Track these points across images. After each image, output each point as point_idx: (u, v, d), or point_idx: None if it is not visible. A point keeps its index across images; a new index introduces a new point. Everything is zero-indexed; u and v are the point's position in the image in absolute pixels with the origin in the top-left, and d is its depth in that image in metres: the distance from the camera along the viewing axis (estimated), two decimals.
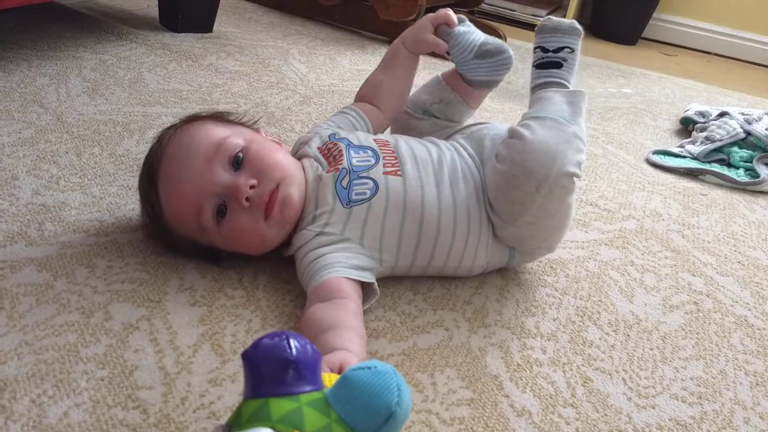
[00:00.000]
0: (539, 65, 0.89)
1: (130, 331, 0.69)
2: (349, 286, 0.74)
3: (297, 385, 0.48)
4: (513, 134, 0.80)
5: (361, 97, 1.01)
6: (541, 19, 0.89)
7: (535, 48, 0.89)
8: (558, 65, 0.87)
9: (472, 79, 0.96)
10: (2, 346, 0.65)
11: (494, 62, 0.93)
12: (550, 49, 0.87)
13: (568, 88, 0.88)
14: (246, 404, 0.48)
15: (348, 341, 0.64)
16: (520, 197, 0.77)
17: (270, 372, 0.48)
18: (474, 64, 0.94)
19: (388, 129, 1.03)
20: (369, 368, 0.49)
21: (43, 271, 0.76)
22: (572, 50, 0.87)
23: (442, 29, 0.95)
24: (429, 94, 1.01)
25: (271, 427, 0.45)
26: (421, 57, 0.99)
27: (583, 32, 0.88)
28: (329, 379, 0.52)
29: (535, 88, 0.89)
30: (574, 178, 0.77)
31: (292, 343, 0.49)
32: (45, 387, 0.61)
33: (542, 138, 0.77)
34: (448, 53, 0.96)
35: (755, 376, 0.78)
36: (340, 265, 0.75)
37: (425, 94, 1.02)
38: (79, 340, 0.67)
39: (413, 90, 1.03)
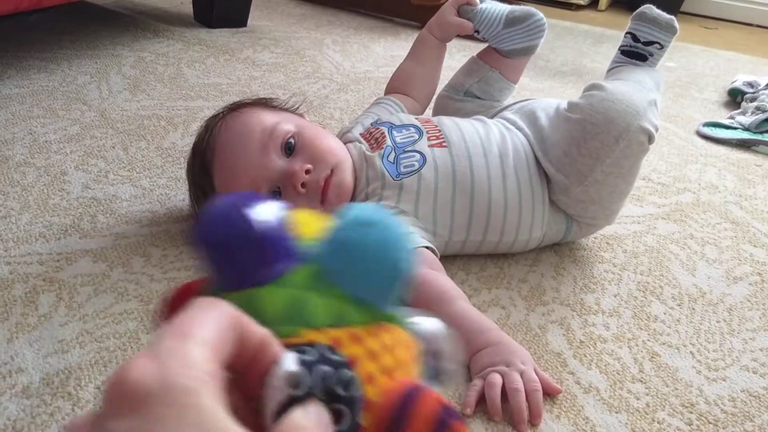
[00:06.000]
0: (625, 52, 0.87)
1: None
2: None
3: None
4: (593, 87, 0.78)
5: (393, 88, 1.00)
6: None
7: (627, 33, 0.87)
8: (644, 58, 0.85)
9: (508, 49, 0.95)
10: (64, 336, 0.65)
11: (526, 27, 0.92)
12: (642, 40, 0.85)
13: None
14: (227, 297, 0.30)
15: (485, 318, 0.69)
16: (596, 148, 0.75)
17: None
18: (506, 34, 0.93)
19: (430, 112, 1.02)
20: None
21: (98, 261, 0.77)
22: (662, 47, 0.85)
23: (464, 9, 0.95)
24: (468, 75, 0.99)
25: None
26: (456, 41, 0.98)
27: (678, 31, 0.87)
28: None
29: (613, 68, 0.87)
30: (649, 141, 0.76)
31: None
32: (109, 374, 0.61)
33: (625, 90, 0.76)
34: (477, 32, 0.96)
35: None
36: (416, 235, 0.75)
37: (464, 75, 1.00)
38: (140, 327, 0.67)
39: (451, 74, 1.02)
